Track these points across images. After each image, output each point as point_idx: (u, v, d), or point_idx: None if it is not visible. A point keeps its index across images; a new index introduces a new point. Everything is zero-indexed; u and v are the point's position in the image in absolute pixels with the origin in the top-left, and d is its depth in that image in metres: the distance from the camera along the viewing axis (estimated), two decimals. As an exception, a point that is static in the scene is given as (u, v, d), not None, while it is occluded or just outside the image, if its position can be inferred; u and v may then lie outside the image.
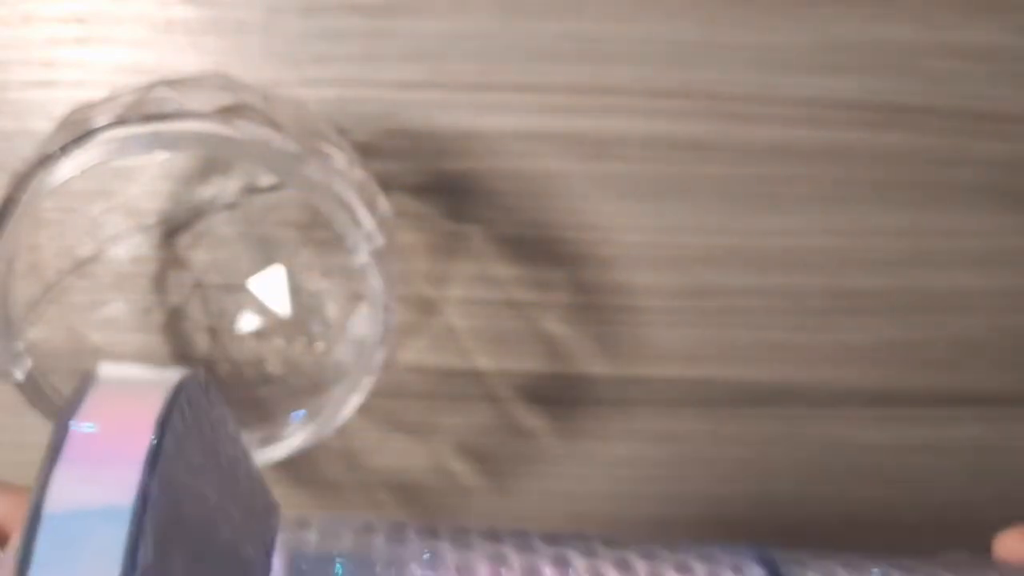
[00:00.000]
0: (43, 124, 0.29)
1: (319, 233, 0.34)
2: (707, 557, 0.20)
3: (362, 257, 0.29)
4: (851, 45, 0.35)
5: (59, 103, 0.30)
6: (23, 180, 0.27)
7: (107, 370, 0.18)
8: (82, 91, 0.30)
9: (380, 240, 0.29)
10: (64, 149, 0.27)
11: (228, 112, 0.28)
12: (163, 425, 0.16)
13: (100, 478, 0.15)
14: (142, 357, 0.35)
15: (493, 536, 0.19)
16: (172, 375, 0.18)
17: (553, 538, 0.20)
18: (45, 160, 0.27)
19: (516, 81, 0.35)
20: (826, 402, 0.38)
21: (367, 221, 0.29)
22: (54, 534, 0.15)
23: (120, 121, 0.27)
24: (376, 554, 0.19)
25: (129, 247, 0.34)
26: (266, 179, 0.33)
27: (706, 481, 0.38)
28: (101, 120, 0.27)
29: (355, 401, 0.31)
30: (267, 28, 0.34)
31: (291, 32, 0.34)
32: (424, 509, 0.38)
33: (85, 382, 0.17)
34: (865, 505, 0.39)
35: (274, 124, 0.28)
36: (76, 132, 0.27)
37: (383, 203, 0.30)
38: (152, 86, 0.29)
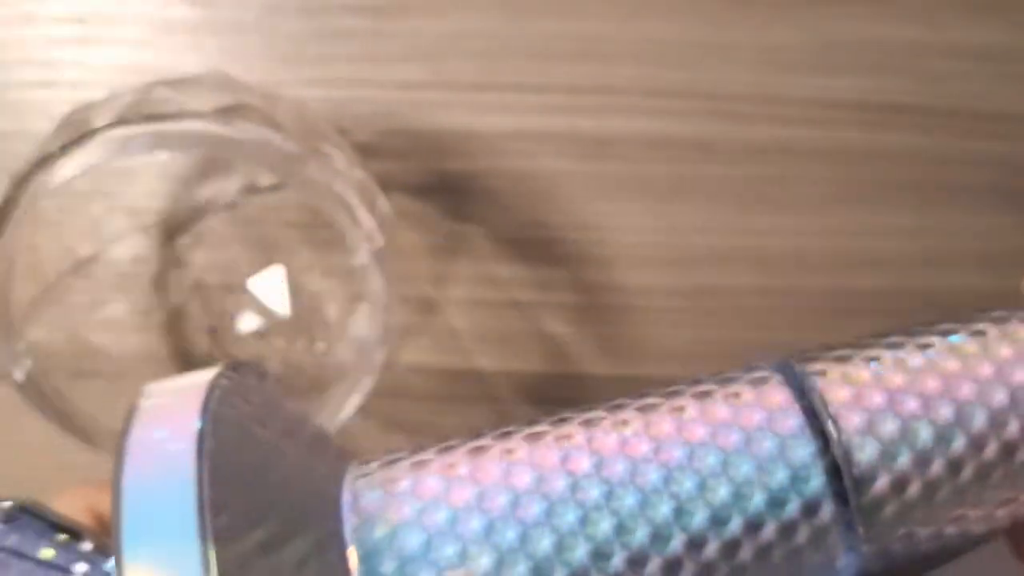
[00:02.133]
0: (43, 124, 0.29)
1: (319, 233, 0.34)
2: (724, 380, 0.20)
3: (362, 257, 0.29)
4: (851, 45, 0.35)
5: (59, 103, 0.30)
6: (23, 180, 0.27)
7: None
8: (82, 91, 0.30)
9: (380, 240, 0.29)
10: (64, 149, 0.27)
11: (228, 112, 0.28)
12: (209, 394, 0.18)
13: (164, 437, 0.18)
14: (142, 357, 0.35)
15: (532, 423, 0.20)
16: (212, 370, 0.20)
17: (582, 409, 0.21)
18: (45, 160, 0.27)
19: (516, 81, 0.35)
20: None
21: (367, 221, 0.29)
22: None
23: (120, 121, 0.27)
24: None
25: (129, 247, 0.34)
26: (266, 179, 0.33)
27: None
28: (101, 120, 0.27)
29: (355, 401, 0.31)
30: (267, 28, 0.34)
31: (291, 32, 0.34)
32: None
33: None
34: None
35: (274, 124, 0.28)
36: (76, 132, 0.27)
37: (383, 203, 0.30)
38: (152, 86, 0.29)
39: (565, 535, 0.18)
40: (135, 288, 0.35)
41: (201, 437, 0.17)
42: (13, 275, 0.29)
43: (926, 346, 0.20)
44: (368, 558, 0.18)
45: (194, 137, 0.27)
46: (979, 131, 0.35)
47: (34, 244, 0.32)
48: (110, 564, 0.20)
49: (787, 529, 0.19)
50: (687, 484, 0.18)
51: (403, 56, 0.34)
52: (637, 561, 0.18)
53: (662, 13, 0.35)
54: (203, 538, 0.16)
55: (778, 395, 0.20)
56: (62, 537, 0.20)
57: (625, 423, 0.20)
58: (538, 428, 0.20)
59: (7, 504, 0.20)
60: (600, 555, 0.18)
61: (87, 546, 0.20)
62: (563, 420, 0.20)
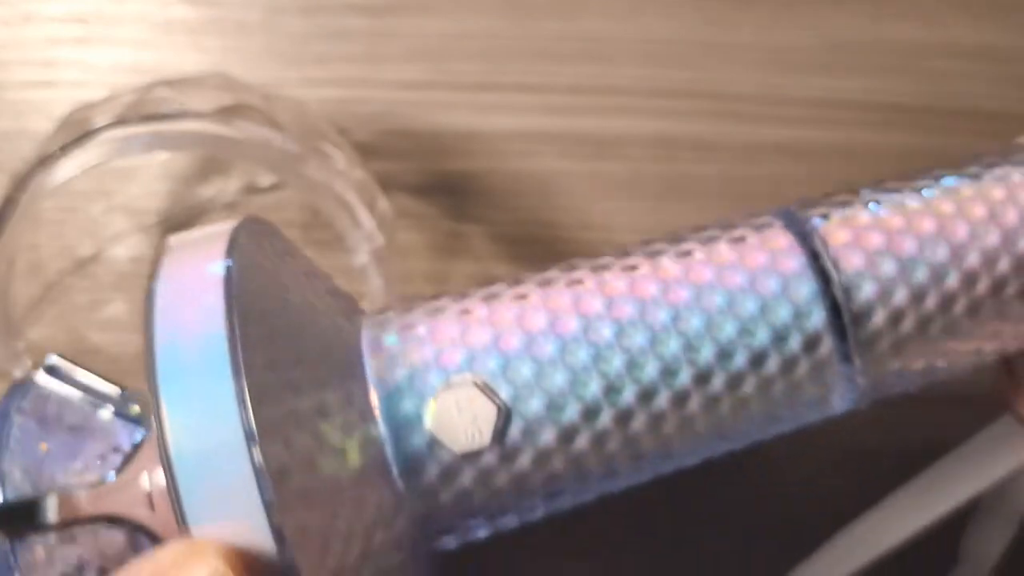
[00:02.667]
0: (43, 124, 0.29)
1: (319, 233, 0.33)
2: (728, 225, 0.21)
3: (362, 257, 0.29)
4: (853, 45, 0.35)
5: (59, 103, 0.30)
6: (23, 180, 0.27)
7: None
8: (82, 91, 0.30)
9: (380, 240, 0.29)
10: (64, 149, 0.27)
11: (228, 112, 0.28)
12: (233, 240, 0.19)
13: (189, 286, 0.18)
14: (142, 357, 0.35)
15: (544, 271, 0.21)
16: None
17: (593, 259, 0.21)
18: (45, 160, 0.27)
19: (518, 81, 0.35)
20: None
21: (367, 221, 0.29)
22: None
23: (120, 121, 0.27)
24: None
25: (129, 247, 0.34)
26: (266, 179, 0.33)
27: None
28: (101, 120, 0.27)
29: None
30: (267, 28, 0.34)
31: (292, 32, 0.34)
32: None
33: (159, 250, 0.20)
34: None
35: (274, 124, 0.28)
36: (76, 132, 0.27)
37: (383, 203, 0.30)
38: (152, 86, 0.29)
39: (578, 372, 0.19)
40: (135, 288, 0.35)
41: (229, 276, 0.18)
42: (13, 275, 0.29)
43: (922, 189, 0.21)
44: (389, 398, 0.19)
45: (194, 137, 0.27)
46: (981, 131, 0.35)
47: (34, 244, 0.32)
48: (135, 408, 0.21)
49: (788, 363, 0.20)
50: (694, 322, 0.19)
51: (403, 56, 0.34)
52: (647, 395, 0.19)
53: (664, 13, 0.35)
54: (236, 373, 0.16)
55: (781, 238, 0.20)
56: (93, 385, 0.21)
57: (634, 267, 0.20)
58: (550, 274, 0.21)
59: (51, 358, 0.22)
60: (612, 390, 0.19)
61: (114, 393, 0.21)
62: (574, 267, 0.21)
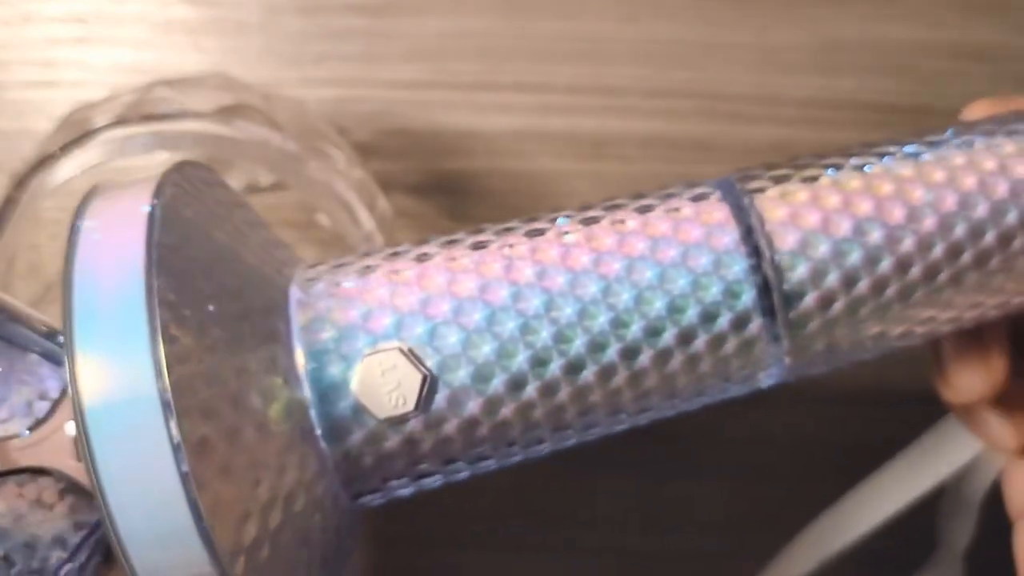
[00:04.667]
0: (43, 124, 0.29)
1: (319, 233, 0.34)
2: (666, 195, 0.21)
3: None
4: (851, 45, 0.35)
5: (59, 103, 0.30)
6: (23, 180, 0.27)
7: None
8: (82, 91, 0.30)
9: (379, 240, 0.29)
10: (64, 149, 0.27)
11: (228, 112, 0.28)
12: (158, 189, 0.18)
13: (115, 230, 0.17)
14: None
15: (478, 231, 0.21)
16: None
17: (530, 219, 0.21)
18: (45, 160, 0.27)
19: (516, 81, 0.35)
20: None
21: (367, 221, 0.29)
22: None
23: (120, 121, 0.27)
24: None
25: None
26: (266, 179, 0.33)
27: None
28: (101, 120, 0.27)
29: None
30: (267, 28, 0.34)
31: (291, 32, 0.34)
32: (428, 505, 0.38)
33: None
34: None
35: (273, 124, 0.28)
36: (76, 132, 0.27)
37: (383, 203, 0.30)
38: (152, 86, 0.29)
39: (505, 342, 0.19)
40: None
41: (150, 226, 0.17)
42: (13, 275, 0.29)
43: (863, 166, 0.21)
44: (315, 357, 0.19)
45: (194, 137, 0.27)
46: (979, 131, 0.35)
47: (34, 244, 0.32)
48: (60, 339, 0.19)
49: (716, 340, 0.19)
50: (624, 296, 0.19)
51: (402, 56, 0.34)
52: (574, 368, 0.19)
53: (662, 14, 0.35)
54: (153, 335, 0.16)
55: (717, 212, 0.20)
56: (21, 318, 0.20)
57: (567, 233, 0.20)
58: (483, 236, 0.20)
59: None
60: (539, 361, 0.19)
61: (41, 329, 0.20)
62: (508, 229, 0.20)
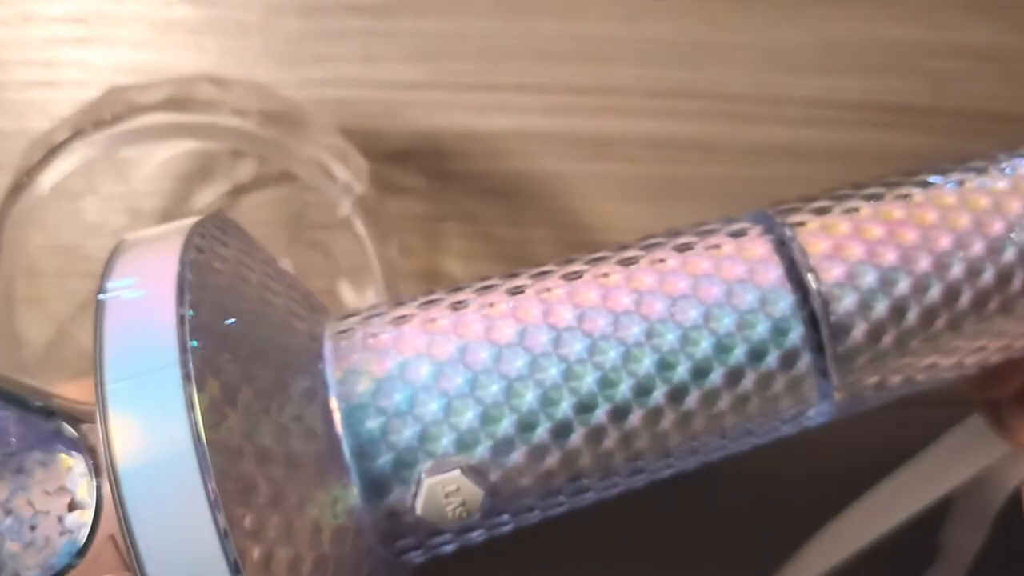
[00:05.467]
0: (43, 124, 0.29)
1: (310, 233, 0.34)
2: (704, 232, 0.20)
3: (344, 208, 0.30)
4: (853, 46, 0.35)
5: (59, 103, 0.30)
6: (23, 180, 0.27)
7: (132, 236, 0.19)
8: (82, 91, 0.30)
9: (359, 188, 0.29)
10: (59, 148, 0.27)
11: (174, 103, 0.28)
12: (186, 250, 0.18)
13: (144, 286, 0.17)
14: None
15: (512, 276, 0.20)
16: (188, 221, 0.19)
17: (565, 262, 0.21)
18: (45, 160, 0.27)
19: (516, 81, 0.35)
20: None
21: (341, 173, 0.29)
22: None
23: (80, 132, 0.27)
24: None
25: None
26: (246, 171, 0.33)
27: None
28: (62, 134, 0.27)
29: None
30: (267, 28, 0.34)
31: (290, 32, 0.34)
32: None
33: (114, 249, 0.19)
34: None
35: (236, 110, 0.29)
36: (79, 129, 0.27)
37: (356, 157, 0.30)
38: (108, 95, 0.29)
39: (549, 388, 0.18)
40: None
41: (181, 283, 0.17)
42: (13, 274, 0.29)
43: (905, 196, 0.20)
44: (351, 413, 0.18)
45: (155, 130, 0.28)
46: (981, 131, 0.35)
47: (34, 244, 0.32)
48: (69, 429, 0.18)
49: (764, 379, 0.19)
50: (669, 337, 0.19)
51: (401, 56, 0.34)
52: (620, 413, 0.18)
53: (663, 14, 0.35)
54: (188, 396, 0.15)
55: (758, 247, 0.20)
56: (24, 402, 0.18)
57: (606, 275, 0.19)
58: (519, 281, 0.20)
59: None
60: (583, 408, 0.18)
61: (41, 408, 0.18)
62: (544, 273, 0.20)
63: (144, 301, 0.17)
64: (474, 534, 0.19)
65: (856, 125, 0.35)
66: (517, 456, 0.18)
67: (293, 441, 0.17)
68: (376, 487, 0.18)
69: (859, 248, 0.19)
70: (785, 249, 0.19)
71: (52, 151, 0.27)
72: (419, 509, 0.18)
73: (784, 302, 0.19)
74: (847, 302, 0.19)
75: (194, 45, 0.34)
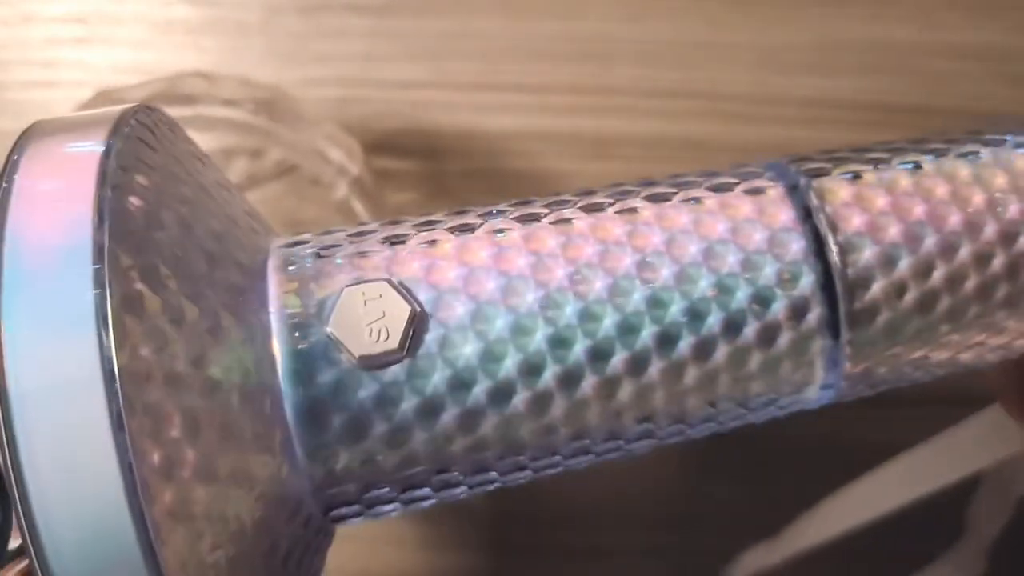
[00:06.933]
0: (43, 124, 0.29)
1: (305, 229, 0.34)
2: (710, 174, 0.19)
3: (341, 190, 0.30)
4: (851, 45, 0.35)
5: (59, 103, 0.30)
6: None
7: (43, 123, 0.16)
8: (82, 91, 0.30)
9: (354, 170, 0.30)
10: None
11: (159, 98, 0.28)
12: (109, 145, 0.15)
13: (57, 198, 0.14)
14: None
15: (526, 203, 0.18)
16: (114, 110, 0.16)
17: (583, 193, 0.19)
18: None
19: (516, 81, 0.35)
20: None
21: (336, 155, 0.30)
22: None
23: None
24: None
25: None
26: (236, 173, 0.33)
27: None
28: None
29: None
30: (267, 28, 0.34)
31: (291, 32, 0.34)
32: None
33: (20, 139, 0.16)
34: None
35: (227, 102, 0.29)
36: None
37: (350, 141, 0.31)
38: (96, 98, 0.29)
39: (522, 316, 0.16)
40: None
41: (102, 171, 0.14)
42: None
43: (935, 151, 0.18)
44: (294, 331, 0.16)
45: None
46: (979, 131, 0.35)
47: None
48: None
49: (768, 332, 0.17)
50: (663, 272, 0.16)
51: (402, 56, 0.34)
52: (600, 353, 0.16)
53: (662, 14, 0.35)
54: (100, 316, 0.13)
55: (770, 189, 0.18)
56: None
57: (598, 207, 0.17)
58: (533, 208, 0.18)
59: None
60: (560, 342, 0.16)
61: None
62: (561, 203, 0.18)
63: (57, 186, 0.14)
64: (420, 489, 0.17)
65: (853, 125, 0.35)
66: (480, 392, 0.16)
67: (212, 358, 0.14)
68: (313, 418, 0.15)
69: (883, 199, 0.17)
70: (799, 194, 0.18)
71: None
72: (330, 322, 0.15)
73: (796, 244, 0.17)
74: (867, 254, 0.17)
75: (194, 45, 0.34)
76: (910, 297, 0.17)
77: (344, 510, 0.17)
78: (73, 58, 0.34)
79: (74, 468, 0.12)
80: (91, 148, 0.15)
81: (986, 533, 0.29)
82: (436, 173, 0.35)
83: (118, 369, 0.13)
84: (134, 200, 0.14)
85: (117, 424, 0.12)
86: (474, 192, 0.35)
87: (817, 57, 0.35)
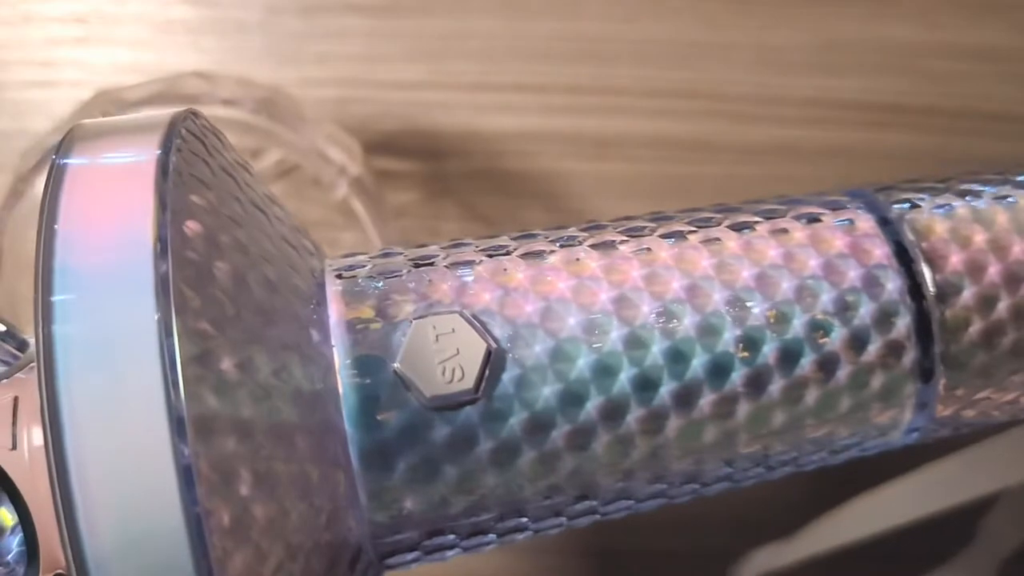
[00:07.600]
0: (43, 124, 0.29)
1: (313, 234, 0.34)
2: (793, 201, 0.18)
3: (341, 189, 0.30)
4: (851, 45, 0.35)
5: (59, 103, 0.30)
6: (22, 180, 0.27)
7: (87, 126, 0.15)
8: (82, 91, 0.30)
9: (355, 170, 0.30)
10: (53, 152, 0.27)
11: (158, 98, 0.29)
12: (165, 160, 0.13)
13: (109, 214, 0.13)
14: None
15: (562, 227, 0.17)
16: (163, 114, 0.15)
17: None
18: (40, 165, 0.27)
19: (516, 81, 0.35)
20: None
21: (336, 155, 0.30)
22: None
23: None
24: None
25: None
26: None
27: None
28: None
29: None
30: (267, 28, 0.34)
31: (291, 32, 0.34)
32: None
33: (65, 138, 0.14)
34: None
35: (227, 102, 0.29)
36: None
37: (350, 141, 0.31)
38: (93, 100, 0.29)
39: (604, 355, 0.15)
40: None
41: (160, 179, 0.13)
42: (17, 272, 0.29)
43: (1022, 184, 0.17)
44: (360, 364, 0.15)
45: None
46: (980, 131, 0.35)
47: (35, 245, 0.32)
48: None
49: (860, 375, 0.16)
50: (755, 311, 0.15)
51: (402, 56, 0.34)
52: (688, 395, 0.15)
53: (662, 14, 0.35)
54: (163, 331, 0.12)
55: (861, 221, 0.17)
56: None
57: (679, 236, 0.16)
58: (609, 235, 0.17)
59: None
60: (647, 384, 0.15)
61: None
62: (635, 229, 0.17)
63: (112, 188, 0.13)
64: (485, 536, 0.16)
65: (854, 125, 0.35)
66: (558, 436, 0.15)
67: (277, 401, 0.13)
68: (377, 460, 0.14)
69: (982, 235, 0.17)
70: (892, 228, 0.17)
71: (46, 155, 0.27)
72: (399, 358, 0.14)
73: (892, 284, 0.16)
74: (966, 295, 0.16)
75: (194, 45, 0.34)
76: (1007, 340, 0.17)
77: (401, 557, 0.16)
78: (72, 58, 0.34)
79: (138, 523, 0.11)
80: (144, 161, 0.13)
81: (1002, 547, 0.28)
82: (436, 173, 0.35)
83: (189, 421, 0.12)
84: (192, 225, 0.13)
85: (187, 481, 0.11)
86: (474, 192, 0.35)
87: (817, 57, 0.35)
